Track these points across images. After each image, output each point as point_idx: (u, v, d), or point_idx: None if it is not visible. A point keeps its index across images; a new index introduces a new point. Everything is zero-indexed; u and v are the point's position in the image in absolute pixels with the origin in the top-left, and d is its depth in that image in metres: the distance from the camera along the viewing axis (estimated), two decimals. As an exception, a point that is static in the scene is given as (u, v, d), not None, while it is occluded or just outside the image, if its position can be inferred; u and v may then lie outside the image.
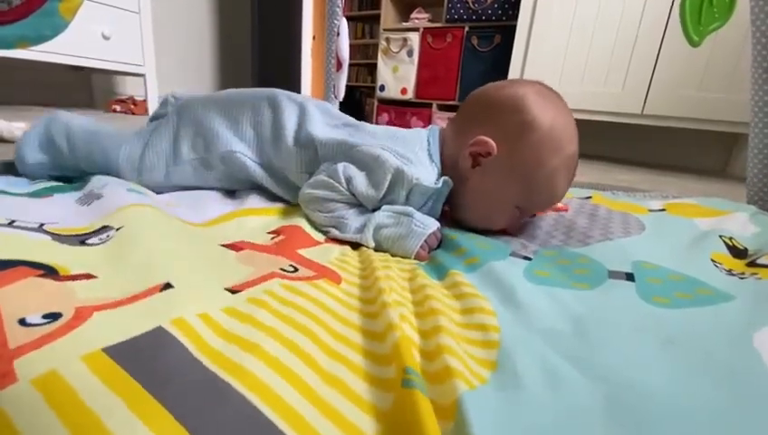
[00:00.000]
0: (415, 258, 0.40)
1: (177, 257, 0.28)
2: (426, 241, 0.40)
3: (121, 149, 0.48)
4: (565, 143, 0.44)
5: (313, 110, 0.51)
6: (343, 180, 0.43)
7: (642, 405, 0.19)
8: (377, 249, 0.41)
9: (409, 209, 0.43)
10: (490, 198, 0.45)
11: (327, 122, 0.51)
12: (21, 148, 0.50)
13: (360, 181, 0.43)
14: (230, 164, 0.49)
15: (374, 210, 0.45)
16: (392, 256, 0.40)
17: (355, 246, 0.42)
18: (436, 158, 0.47)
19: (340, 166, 0.44)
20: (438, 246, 0.43)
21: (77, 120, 0.52)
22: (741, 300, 0.28)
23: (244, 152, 0.49)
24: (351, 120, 0.54)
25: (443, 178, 0.45)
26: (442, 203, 0.47)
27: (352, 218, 0.43)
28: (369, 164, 0.44)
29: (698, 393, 0.20)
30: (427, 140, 0.48)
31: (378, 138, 0.48)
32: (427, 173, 0.45)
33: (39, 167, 0.50)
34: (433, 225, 0.42)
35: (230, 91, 0.55)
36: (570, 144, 0.44)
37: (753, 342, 0.23)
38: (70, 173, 0.51)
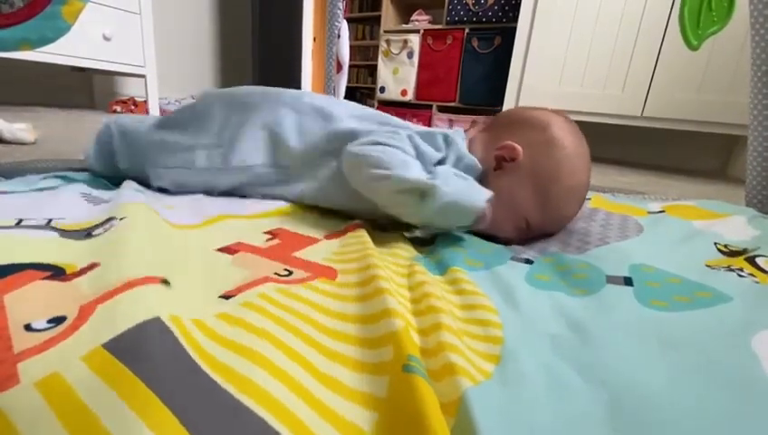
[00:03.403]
0: (474, 223, 0.39)
1: (173, 265, 0.28)
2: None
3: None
4: (581, 171, 0.46)
5: (335, 111, 0.50)
6: (405, 135, 0.43)
7: (643, 409, 0.19)
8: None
9: (467, 176, 0.42)
10: (504, 202, 0.45)
11: (353, 116, 0.51)
12: (88, 160, 0.54)
13: (420, 141, 0.43)
14: (245, 173, 0.49)
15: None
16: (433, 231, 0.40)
17: (348, 238, 0.41)
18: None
19: (398, 127, 0.45)
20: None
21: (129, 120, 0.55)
22: (739, 301, 0.28)
23: (258, 162, 0.49)
24: (372, 111, 0.54)
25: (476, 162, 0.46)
26: None
27: (415, 163, 0.41)
28: (420, 134, 0.45)
29: (697, 397, 0.20)
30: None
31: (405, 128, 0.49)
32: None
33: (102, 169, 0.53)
34: (489, 192, 0.40)
35: (245, 93, 0.53)
36: (584, 174, 0.47)
37: (751, 344, 0.23)
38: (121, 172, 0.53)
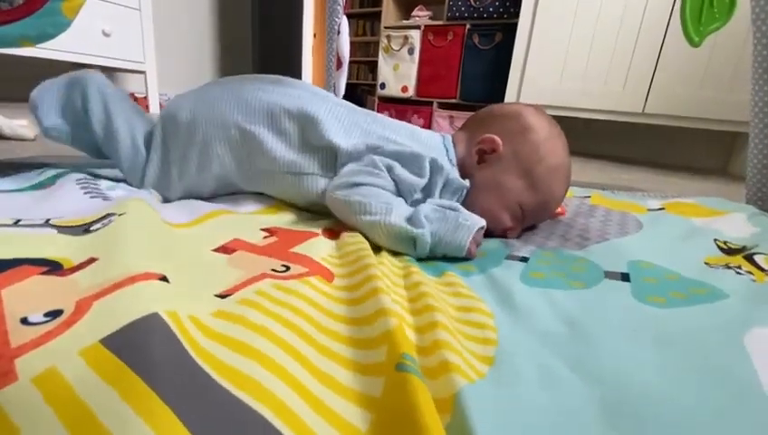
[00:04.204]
0: (465, 256, 0.39)
1: (170, 264, 0.28)
2: (474, 237, 0.39)
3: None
4: (560, 151, 0.48)
5: (320, 115, 0.46)
6: (384, 168, 0.43)
7: (636, 405, 0.19)
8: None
9: (455, 204, 0.42)
10: (494, 192, 0.47)
11: (341, 125, 0.47)
12: (37, 105, 0.44)
13: (402, 170, 0.43)
14: (225, 182, 0.48)
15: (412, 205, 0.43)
16: (439, 255, 0.39)
17: (345, 239, 0.40)
18: (455, 163, 0.49)
19: (376, 157, 0.44)
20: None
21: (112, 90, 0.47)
22: (734, 299, 0.29)
23: (235, 174, 0.47)
24: (364, 113, 0.52)
25: (466, 179, 0.47)
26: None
27: (398, 204, 0.41)
28: (404, 159, 0.44)
29: (690, 393, 0.20)
30: (444, 147, 0.50)
31: (398, 133, 0.49)
32: (452, 172, 0.47)
33: (55, 133, 0.45)
34: (480, 221, 0.41)
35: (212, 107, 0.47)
36: (563, 153, 0.49)
37: (743, 341, 0.23)
38: (87, 149, 0.48)
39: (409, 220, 0.39)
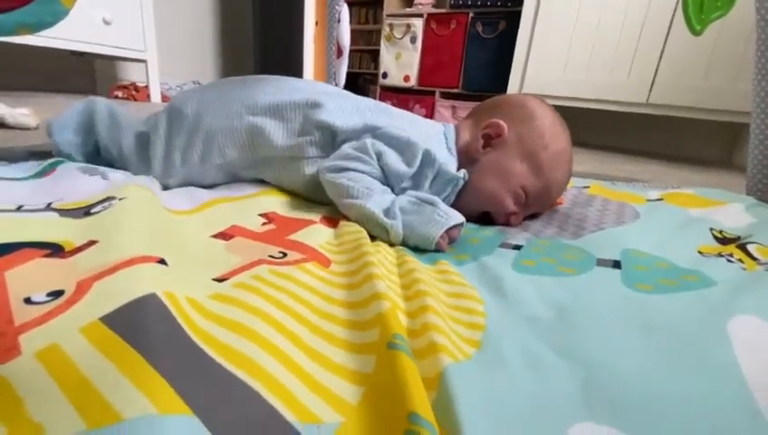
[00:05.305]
0: (434, 249, 0.38)
1: (169, 249, 0.29)
2: (447, 232, 0.39)
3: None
4: (564, 138, 0.50)
5: (324, 102, 0.48)
6: (374, 154, 0.44)
7: (617, 388, 0.20)
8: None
9: (435, 199, 0.42)
10: (499, 175, 0.48)
11: (342, 110, 0.49)
12: (53, 125, 0.51)
13: (392, 157, 0.44)
14: (226, 171, 0.49)
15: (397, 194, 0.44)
16: (406, 245, 0.39)
17: (343, 228, 0.41)
18: (454, 153, 0.50)
19: (368, 141, 0.45)
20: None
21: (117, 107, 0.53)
22: (722, 286, 0.29)
23: (237, 163, 0.48)
24: (367, 100, 0.53)
25: (462, 170, 0.47)
26: (455, 196, 0.47)
27: (379, 192, 0.42)
28: (398, 145, 0.45)
29: (670, 377, 0.21)
30: (444, 135, 0.51)
31: (398, 120, 0.50)
32: (448, 162, 0.47)
33: (67, 145, 0.51)
34: (458, 218, 0.40)
35: (221, 93, 0.50)
36: (567, 142, 0.50)
37: (726, 328, 0.23)
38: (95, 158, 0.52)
39: (386, 211, 0.40)
